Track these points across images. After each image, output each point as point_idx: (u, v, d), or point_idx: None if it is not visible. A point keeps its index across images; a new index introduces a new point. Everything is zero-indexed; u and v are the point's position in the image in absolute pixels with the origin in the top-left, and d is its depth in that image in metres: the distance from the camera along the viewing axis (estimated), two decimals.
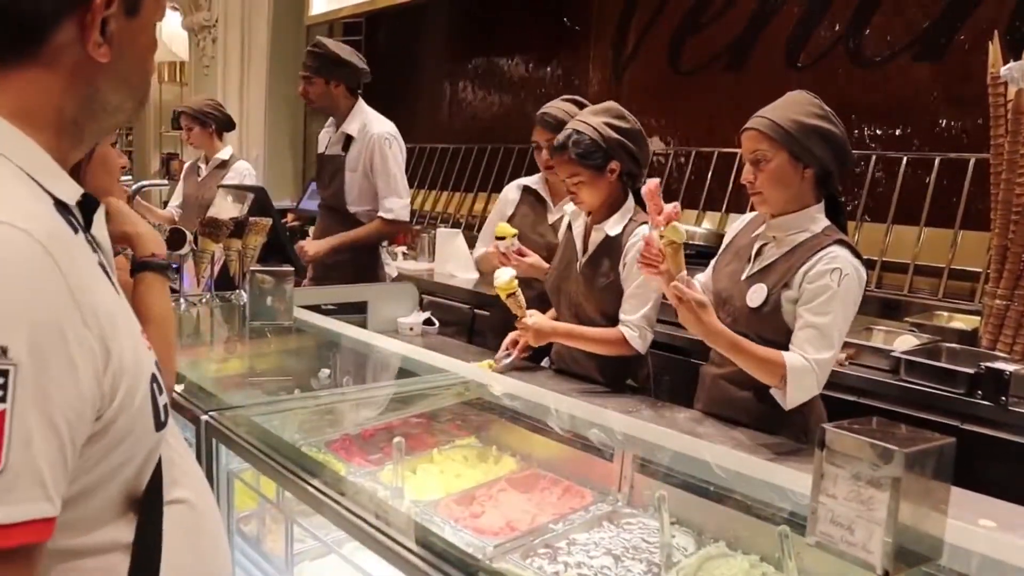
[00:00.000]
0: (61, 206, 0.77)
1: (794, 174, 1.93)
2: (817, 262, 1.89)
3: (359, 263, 3.42)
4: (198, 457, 1.52)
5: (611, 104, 2.37)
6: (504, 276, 2.27)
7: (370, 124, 3.42)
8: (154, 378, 0.81)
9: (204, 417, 1.48)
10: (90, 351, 0.70)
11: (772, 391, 1.91)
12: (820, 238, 1.94)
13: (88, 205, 0.82)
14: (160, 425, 0.82)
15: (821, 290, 1.86)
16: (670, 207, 1.85)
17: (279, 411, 1.62)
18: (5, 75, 0.77)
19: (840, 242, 1.92)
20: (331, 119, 3.55)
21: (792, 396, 1.87)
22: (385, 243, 3.79)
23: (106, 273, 0.80)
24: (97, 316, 0.72)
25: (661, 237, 1.84)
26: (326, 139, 3.59)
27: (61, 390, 0.68)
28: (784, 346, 1.92)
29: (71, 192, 0.80)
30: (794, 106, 1.94)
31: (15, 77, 0.77)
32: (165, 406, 0.84)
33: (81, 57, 0.78)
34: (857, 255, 1.93)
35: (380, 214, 3.39)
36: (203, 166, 4.25)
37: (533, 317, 2.31)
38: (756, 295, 1.96)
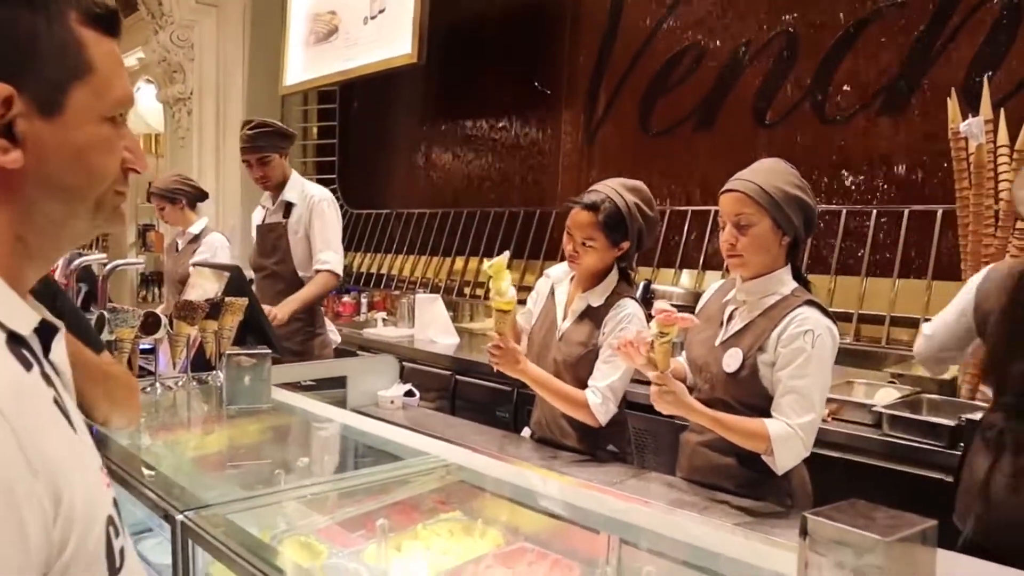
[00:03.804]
0: (13, 338, 0.72)
1: (774, 241, 1.96)
2: (788, 324, 1.91)
3: (307, 331, 3.53)
4: (173, 557, 1.49)
5: (643, 186, 2.36)
6: (508, 294, 2.25)
7: (308, 189, 3.63)
8: (110, 520, 0.76)
9: (179, 517, 1.45)
10: (39, 503, 0.66)
11: (764, 457, 1.92)
12: (790, 300, 1.96)
13: (46, 331, 0.78)
14: (115, 571, 0.76)
15: (796, 353, 1.88)
16: (674, 313, 1.86)
17: (256, 507, 1.58)
18: None
19: (809, 303, 1.94)
20: (266, 193, 3.71)
21: (781, 462, 1.89)
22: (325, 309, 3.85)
23: (61, 408, 0.75)
24: (46, 462, 0.68)
25: (660, 335, 1.86)
26: (261, 213, 3.73)
27: (10, 550, 0.64)
28: (764, 409, 1.93)
29: (25, 321, 0.74)
30: (776, 174, 1.97)
31: None
32: (122, 550, 0.78)
33: None
34: (827, 314, 1.95)
35: (317, 267, 3.51)
36: (180, 241, 4.26)
37: (509, 348, 2.27)
38: (732, 360, 1.97)
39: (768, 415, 1.92)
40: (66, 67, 0.76)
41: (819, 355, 1.88)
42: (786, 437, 1.86)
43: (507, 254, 2.26)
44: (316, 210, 3.54)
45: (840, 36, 3.51)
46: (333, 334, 3.78)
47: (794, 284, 2.00)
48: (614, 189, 2.31)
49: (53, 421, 0.73)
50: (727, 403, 1.97)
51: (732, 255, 2.00)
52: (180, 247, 4.22)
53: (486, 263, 2.27)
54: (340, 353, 3.81)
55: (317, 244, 3.53)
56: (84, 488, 0.72)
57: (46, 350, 0.78)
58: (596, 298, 2.36)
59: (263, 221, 3.69)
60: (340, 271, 3.59)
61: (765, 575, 1.37)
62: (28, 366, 0.72)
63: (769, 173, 1.97)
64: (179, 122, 6.52)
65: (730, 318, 2.05)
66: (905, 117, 3.32)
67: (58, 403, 0.74)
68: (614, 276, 2.39)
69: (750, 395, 1.95)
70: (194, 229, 4.18)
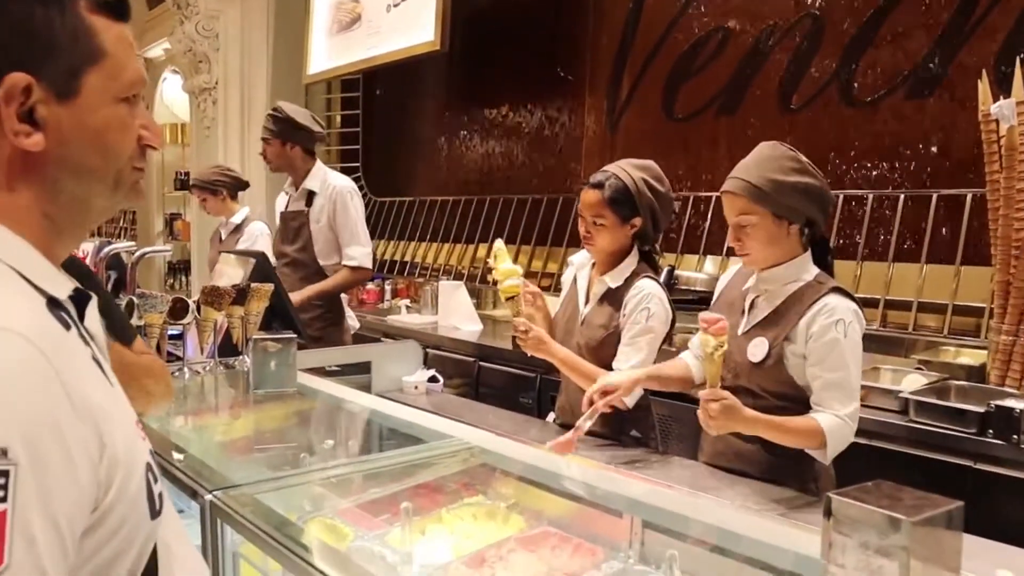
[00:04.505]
0: (52, 303, 0.78)
1: (779, 232, 1.94)
2: (817, 315, 1.89)
3: (326, 318, 3.56)
4: (202, 536, 1.51)
5: (653, 164, 2.38)
6: (513, 280, 2.26)
7: (331, 179, 3.63)
8: (149, 467, 0.82)
9: (208, 497, 1.47)
10: (85, 444, 0.71)
11: (808, 449, 1.91)
12: (814, 287, 1.94)
13: (80, 299, 0.83)
14: (155, 513, 0.82)
15: (830, 346, 1.86)
16: (725, 321, 1.79)
17: (283, 487, 1.60)
18: None
19: (834, 290, 1.92)
20: (289, 180, 3.74)
21: (832, 451, 1.89)
22: (347, 297, 3.85)
23: (99, 365, 0.81)
24: (90, 409, 0.73)
25: (719, 347, 1.77)
26: (284, 200, 3.76)
27: (61, 486, 0.69)
28: (789, 395, 1.92)
29: (62, 288, 0.80)
30: (769, 163, 1.93)
31: None
32: (160, 494, 0.84)
33: (14, 148, 0.78)
34: (851, 298, 1.93)
35: (344, 262, 3.54)
36: (223, 231, 4.31)
37: (533, 330, 2.29)
38: (757, 349, 1.95)
39: (793, 401, 1.91)
40: (80, 54, 0.80)
41: (852, 344, 1.88)
42: (837, 428, 1.85)
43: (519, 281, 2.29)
44: (340, 202, 3.54)
45: (868, 17, 3.45)
46: (351, 320, 3.81)
47: (816, 270, 1.98)
48: (620, 167, 2.33)
49: (93, 374, 0.78)
50: (751, 391, 1.96)
51: (740, 253, 2.00)
52: (224, 237, 4.28)
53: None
54: (364, 340, 3.84)
55: (344, 238, 3.55)
56: (124, 436, 0.78)
57: (81, 318, 0.83)
58: (615, 280, 2.35)
59: (286, 208, 3.71)
60: (368, 264, 3.60)
61: (789, 557, 1.36)
62: (67, 326, 0.78)
63: (760, 165, 1.93)
64: (204, 112, 6.57)
65: (752, 306, 2.03)
66: (934, 99, 3.27)
67: (96, 360, 0.80)
68: (633, 258, 2.38)
69: (776, 383, 1.94)
70: (236, 219, 4.25)
